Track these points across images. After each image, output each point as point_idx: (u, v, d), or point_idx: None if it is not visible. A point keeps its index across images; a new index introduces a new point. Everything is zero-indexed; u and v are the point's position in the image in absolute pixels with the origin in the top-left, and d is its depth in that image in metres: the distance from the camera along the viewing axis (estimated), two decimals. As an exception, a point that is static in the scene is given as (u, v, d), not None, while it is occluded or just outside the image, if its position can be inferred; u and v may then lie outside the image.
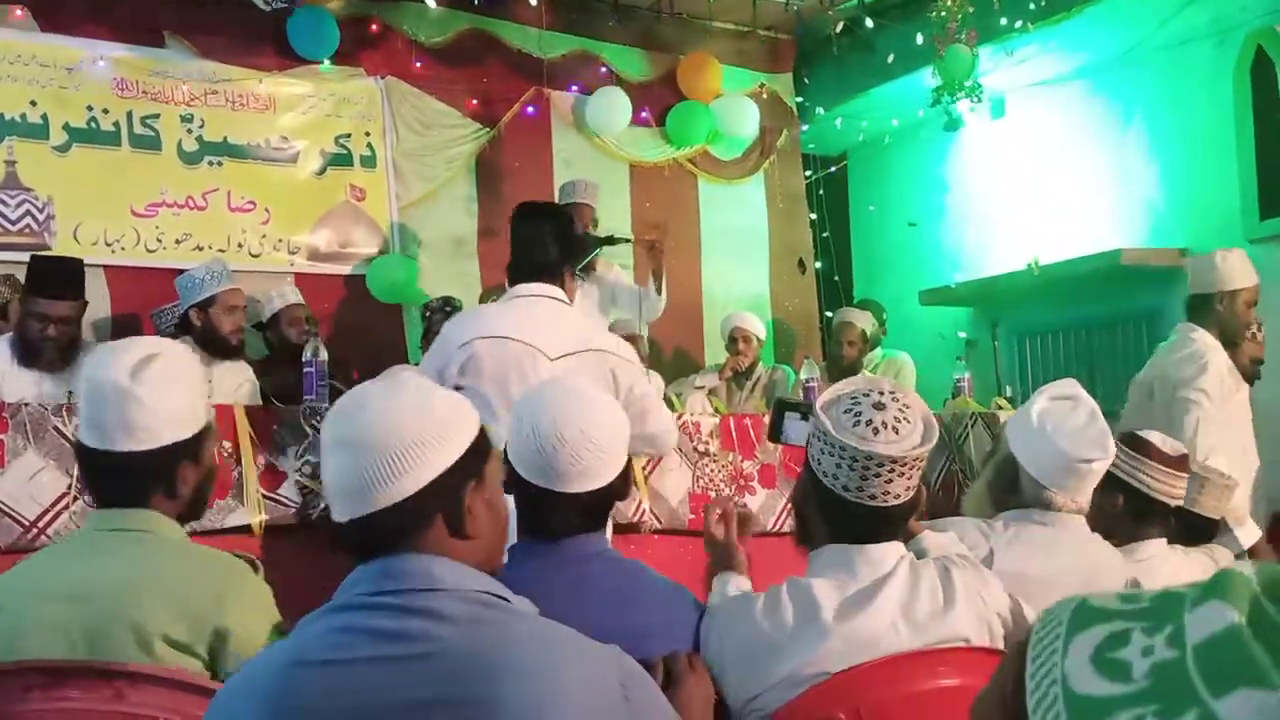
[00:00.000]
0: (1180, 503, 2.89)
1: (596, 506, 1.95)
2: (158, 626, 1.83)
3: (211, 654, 1.86)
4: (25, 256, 4.58)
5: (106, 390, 1.91)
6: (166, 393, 1.94)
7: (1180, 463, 2.85)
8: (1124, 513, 2.82)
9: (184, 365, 2.02)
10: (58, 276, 4.24)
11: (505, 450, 1.96)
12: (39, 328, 4.10)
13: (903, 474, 1.81)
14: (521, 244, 3.30)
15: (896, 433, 1.80)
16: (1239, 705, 0.69)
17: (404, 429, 1.41)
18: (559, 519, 1.91)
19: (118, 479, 1.96)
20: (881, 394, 1.84)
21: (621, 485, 1.97)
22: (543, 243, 3.27)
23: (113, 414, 1.91)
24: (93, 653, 1.82)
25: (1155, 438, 2.88)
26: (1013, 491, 2.53)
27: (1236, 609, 0.72)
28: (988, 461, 2.75)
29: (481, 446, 1.49)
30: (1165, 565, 2.79)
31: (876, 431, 1.79)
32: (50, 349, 4.10)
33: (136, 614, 1.83)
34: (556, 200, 5.46)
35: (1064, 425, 2.46)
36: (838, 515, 1.86)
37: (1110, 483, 2.80)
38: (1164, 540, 2.87)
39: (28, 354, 4.11)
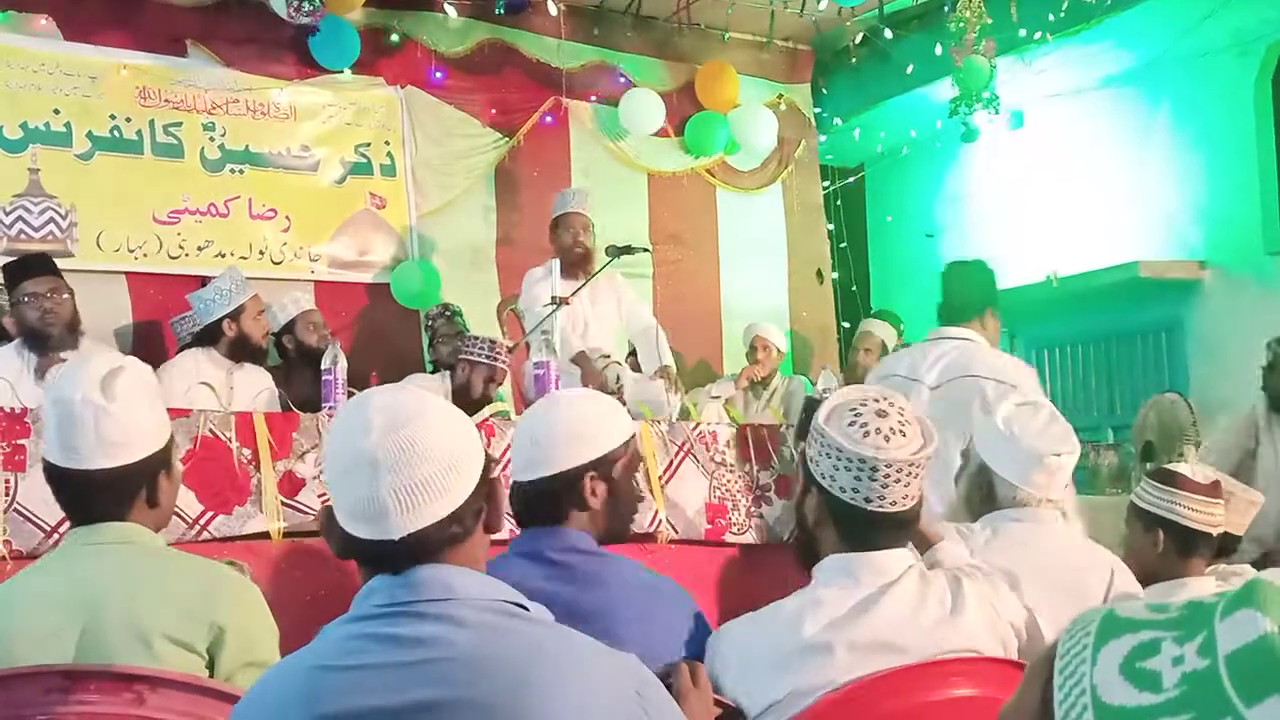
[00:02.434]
0: (1221, 530, 2.87)
1: (533, 498, 2.09)
2: (156, 624, 1.85)
3: (211, 652, 1.88)
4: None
5: (77, 409, 1.90)
6: (138, 406, 1.94)
7: (1214, 490, 2.84)
8: (1168, 549, 2.81)
9: (148, 377, 2.03)
10: (30, 263, 4.41)
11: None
12: (36, 307, 4.22)
13: (916, 475, 1.85)
14: (946, 292, 3.87)
15: (904, 436, 1.83)
16: (1273, 712, 0.69)
17: (447, 444, 1.42)
18: (528, 512, 2.10)
19: (96, 496, 1.95)
20: (878, 402, 1.87)
21: (558, 485, 2.06)
22: (964, 289, 3.83)
23: (87, 433, 1.90)
24: (92, 656, 1.83)
25: (1184, 468, 2.90)
26: (989, 499, 2.65)
27: (1269, 618, 0.72)
28: (959, 479, 2.81)
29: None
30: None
31: (888, 438, 1.82)
32: (56, 325, 4.22)
33: (133, 614, 1.86)
34: (552, 211, 5.45)
35: (1030, 426, 2.61)
36: (857, 527, 1.86)
37: (1147, 521, 2.82)
38: (1212, 579, 2.86)
39: (37, 341, 4.21)
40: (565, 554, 2.03)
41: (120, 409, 1.91)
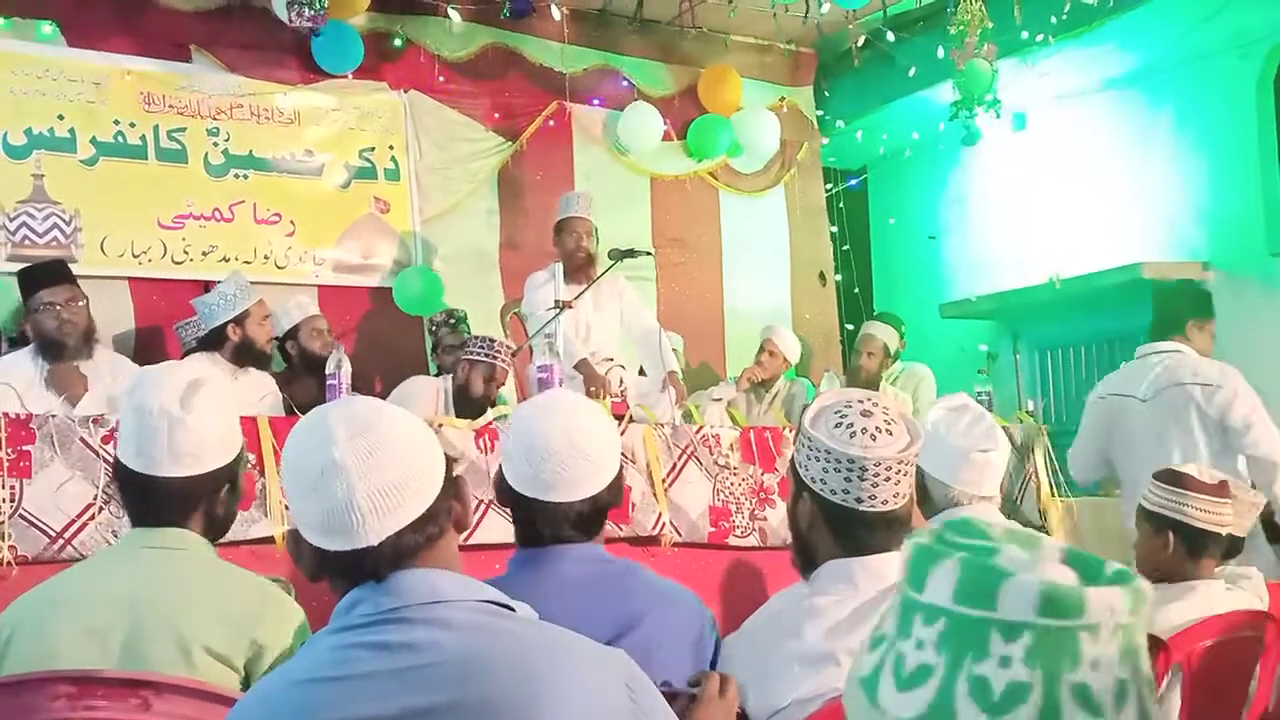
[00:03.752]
0: (1230, 530, 2.89)
1: (588, 515, 2.00)
2: (198, 636, 1.87)
3: (248, 669, 1.89)
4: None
5: (155, 418, 1.95)
6: (213, 420, 1.99)
7: (1222, 490, 2.86)
8: (1177, 550, 2.84)
9: (226, 391, 2.09)
10: (47, 270, 4.45)
11: (500, 467, 2.07)
12: (53, 317, 4.25)
13: (906, 473, 1.86)
14: (1155, 309, 4.30)
15: (891, 434, 1.85)
16: (936, 582, 0.87)
17: (412, 445, 1.43)
18: (551, 529, 1.99)
19: (161, 502, 2.00)
20: (862, 402, 1.89)
21: (611, 495, 2.03)
22: (1169, 305, 4.29)
23: (162, 441, 1.95)
24: (130, 661, 1.85)
25: (1191, 469, 2.93)
26: (923, 500, 2.73)
27: (915, 539, 0.92)
28: None
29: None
30: (1219, 603, 2.79)
31: (874, 438, 1.83)
32: (72, 335, 4.25)
33: (178, 623, 1.87)
34: (556, 214, 5.45)
35: (956, 426, 2.75)
36: (850, 530, 1.87)
37: (1156, 523, 2.84)
38: (1221, 582, 2.87)
39: (52, 349, 4.23)
40: (608, 563, 2.04)
41: (196, 422, 1.96)
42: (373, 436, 1.39)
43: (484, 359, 4.75)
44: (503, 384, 4.86)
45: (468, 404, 4.59)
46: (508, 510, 2.08)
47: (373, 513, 1.37)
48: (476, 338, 4.88)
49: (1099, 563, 0.88)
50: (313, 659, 1.39)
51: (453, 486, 1.48)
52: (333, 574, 1.43)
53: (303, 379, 4.95)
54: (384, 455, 1.39)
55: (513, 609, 1.44)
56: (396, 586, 1.39)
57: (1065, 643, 0.82)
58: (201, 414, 1.97)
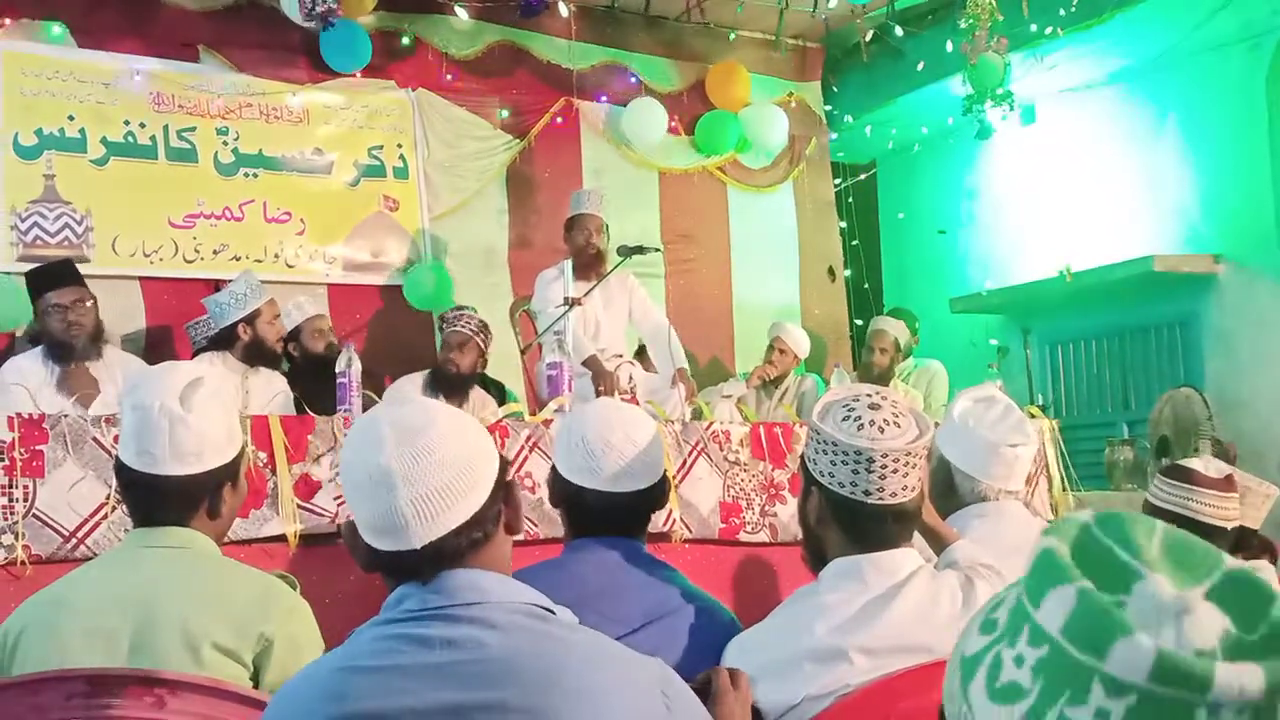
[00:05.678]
0: (1236, 523, 2.88)
1: (637, 509, 2.20)
2: (205, 632, 1.87)
3: (257, 663, 1.90)
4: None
5: (155, 416, 1.94)
6: (213, 417, 1.99)
7: (1227, 484, 2.86)
8: None
9: (225, 389, 2.08)
10: (54, 272, 4.48)
11: (554, 465, 2.24)
12: (61, 319, 4.27)
13: (914, 465, 1.86)
14: None
15: (898, 427, 1.85)
16: (1050, 605, 0.79)
17: (460, 450, 1.44)
18: (603, 519, 2.16)
19: (162, 501, 1.99)
20: (870, 396, 1.89)
21: (658, 494, 2.22)
22: None
23: (163, 440, 1.95)
24: (138, 660, 1.85)
25: (1197, 463, 2.92)
26: (949, 493, 2.69)
27: (1055, 538, 0.83)
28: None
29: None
30: None
31: (882, 430, 1.83)
32: (80, 336, 4.28)
33: (184, 620, 1.88)
34: (568, 212, 5.45)
35: (985, 419, 2.68)
36: (859, 523, 1.87)
37: (1161, 518, 2.82)
38: None
39: (60, 351, 4.24)
40: (650, 557, 2.21)
41: (196, 420, 1.96)
42: (420, 442, 1.41)
43: (445, 330, 4.98)
44: (464, 349, 5.02)
45: (444, 380, 4.89)
46: (559, 511, 2.28)
47: (416, 518, 1.40)
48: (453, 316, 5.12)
49: (1264, 605, 0.78)
50: (355, 648, 1.42)
51: (503, 489, 1.49)
52: (382, 570, 1.46)
53: (307, 377, 4.94)
54: (429, 461, 1.40)
55: (554, 612, 1.45)
56: (443, 585, 1.42)
57: (1176, 713, 0.73)
58: (202, 412, 1.97)
